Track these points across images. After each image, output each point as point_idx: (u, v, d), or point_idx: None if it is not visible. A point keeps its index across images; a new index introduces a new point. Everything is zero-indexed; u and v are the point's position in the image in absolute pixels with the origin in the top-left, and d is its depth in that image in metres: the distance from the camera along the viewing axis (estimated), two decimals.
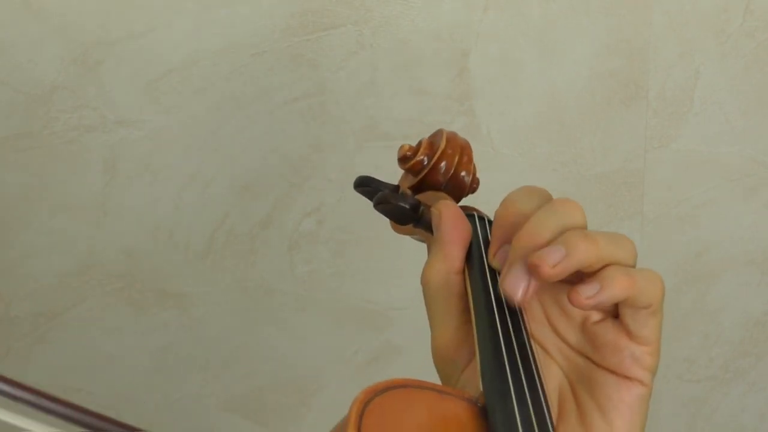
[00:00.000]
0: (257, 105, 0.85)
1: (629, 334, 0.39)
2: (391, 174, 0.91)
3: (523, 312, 0.40)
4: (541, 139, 0.94)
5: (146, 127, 0.83)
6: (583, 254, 0.36)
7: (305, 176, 0.88)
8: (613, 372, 0.39)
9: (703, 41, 0.96)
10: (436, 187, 0.50)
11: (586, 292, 0.36)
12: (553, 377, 0.41)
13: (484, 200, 1.01)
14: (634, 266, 0.38)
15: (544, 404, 0.35)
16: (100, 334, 0.88)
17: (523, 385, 0.35)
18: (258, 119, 0.85)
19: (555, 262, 0.36)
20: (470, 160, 0.51)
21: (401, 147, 0.51)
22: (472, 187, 0.51)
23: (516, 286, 0.37)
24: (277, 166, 0.87)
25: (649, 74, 0.95)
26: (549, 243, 0.37)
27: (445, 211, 0.43)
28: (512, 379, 0.35)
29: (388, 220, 0.50)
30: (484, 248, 0.42)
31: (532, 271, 0.37)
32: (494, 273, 0.41)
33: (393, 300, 0.95)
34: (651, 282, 0.38)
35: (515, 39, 0.90)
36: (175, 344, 0.91)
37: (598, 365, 0.40)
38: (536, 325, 0.41)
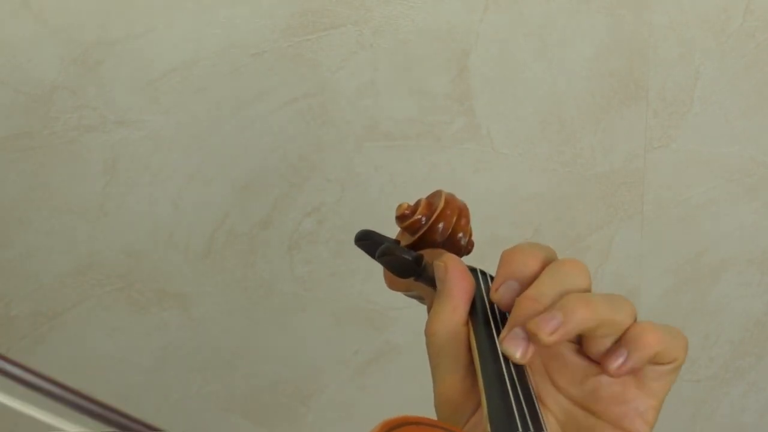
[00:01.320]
0: (257, 105, 0.85)
1: (640, 385, 0.39)
2: (392, 174, 0.91)
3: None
4: (541, 139, 0.94)
5: (146, 127, 0.83)
6: (580, 320, 0.37)
7: (305, 176, 0.88)
8: (613, 424, 0.40)
9: (703, 41, 0.96)
10: (432, 246, 0.51)
11: (616, 363, 0.38)
12: (549, 428, 0.41)
13: (484, 199, 1.02)
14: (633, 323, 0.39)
15: None
16: (100, 334, 0.88)
17: (530, 429, 0.37)
18: (258, 119, 0.86)
19: (552, 330, 0.37)
20: (468, 222, 0.51)
21: (399, 206, 0.52)
22: (468, 248, 0.52)
23: (515, 347, 0.39)
24: (277, 166, 0.87)
25: (649, 74, 0.95)
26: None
27: (451, 264, 0.44)
28: (521, 423, 0.37)
29: (384, 275, 0.52)
30: (487, 299, 0.44)
31: (530, 337, 0.38)
32: (498, 323, 0.42)
33: (393, 300, 0.95)
34: (677, 338, 0.39)
35: (515, 39, 0.90)
36: (175, 344, 0.91)
37: (598, 416, 0.40)
38: (534, 376, 0.42)
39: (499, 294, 0.41)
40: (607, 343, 0.39)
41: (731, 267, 1.07)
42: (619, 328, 0.38)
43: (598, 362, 0.40)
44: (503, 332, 0.40)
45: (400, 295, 1.00)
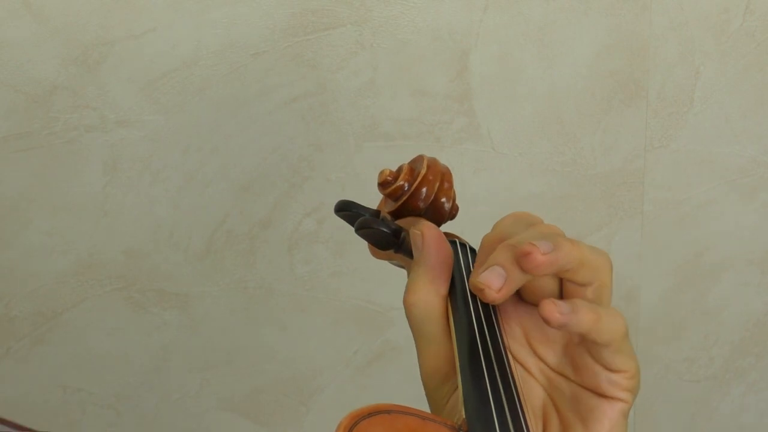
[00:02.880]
0: (257, 105, 0.85)
1: (602, 363, 0.39)
2: None
3: (505, 336, 0.41)
4: (541, 139, 0.94)
5: (146, 127, 0.83)
6: (568, 253, 0.37)
7: (305, 176, 0.88)
8: (593, 392, 0.40)
9: (703, 41, 0.96)
10: (415, 213, 0.50)
11: (561, 309, 0.37)
12: (536, 395, 0.41)
13: (484, 200, 1.01)
14: (610, 278, 0.39)
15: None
16: (100, 334, 0.88)
17: (505, 412, 0.36)
18: (258, 119, 0.85)
19: (546, 251, 0.36)
20: (451, 186, 0.51)
21: (381, 172, 0.51)
22: (452, 213, 0.51)
23: (491, 280, 0.38)
24: (277, 166, 0.87)
25: (649, 74, 0.95)
26: None
27: (428, 233, 0.43)
28: (495, 406, 0.36)
29: (367, 244, 0.50)
30: (466, 274, 0.42)
31: (521, 259, 0.37)
32: (476, 299, 0.41)
33: (393, 300, 0.95)
34: (612, 320, 0.38)
35: (515, 39, 0.90)
36: (175, 344, 0.91)
37: (579, 385, 0.40)
38: (517, 346, 0.42)
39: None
40: (589, 294, 0.39)
41: (731, 267, 1.07)
42: (597, 276, 0.39)
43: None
44: (480, 268, 0.38)
45: (400, 295, 1.00)
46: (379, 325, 0.96)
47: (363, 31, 0.85)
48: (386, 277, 0.93)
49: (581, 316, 0.37)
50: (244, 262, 0.90)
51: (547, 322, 0.37)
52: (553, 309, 0.36)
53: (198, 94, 0.83)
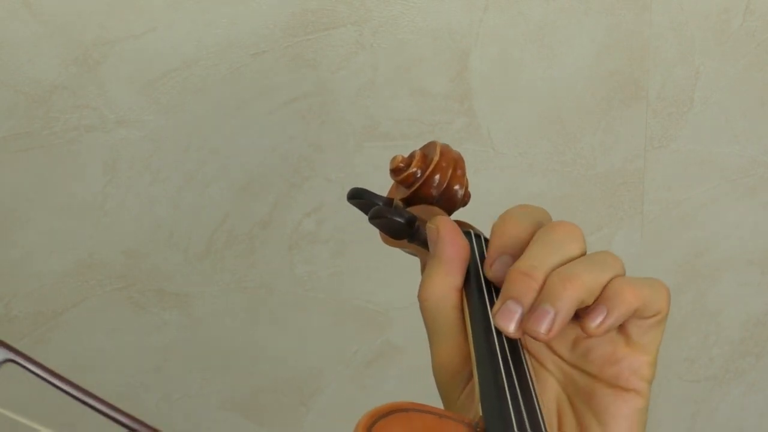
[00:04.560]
0: (257, 105, 0.85)
1: (630, 342, 0.39)
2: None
3: None
4: (541, 139, 0.94)
5: (146, 127, 0.83)
6: (571, 301, 0.36)
7: (305, 176, 0.88)
8: (610, 384, 0.39)
9: (703, 41, 0.96)
10: (428, 200, 0.49)
11: (595, 321, 0.36)
12: (550, 389, 0.41)
13: (484, 199, 1.01)
14: (667, 307, 0.39)
15: (543, 429, 0.35)
16: (100, 334, 0.88)
17: (521, 409, 0.35)
18: (258, 119, 0.85)
19: (548, 328, 0.36)
20: (463, 173, 0.50)
21: (394, 158, 0.50)
22: (464, 200, 0.50)
23: (508, 321, 0.37)
24: (277, 166, 0.87)
25: (649, 74, 0.95)
26: (542, 280, 0.37)
27: (443, 228, 0.42)
28: (512, 403, 0.35)
29: (379, 232, 0.50)
30: (481, 265, 0.42)
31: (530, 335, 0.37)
32: (491, 291, 0.41)
33: (393, 300, 0.95)
34: (657, 291, 0.38)
35: (515, 39, 0.90)
36: (175, 344, 0.91)
37: (594, 378, 0.39)
38: (531, 340, 0.41)
39: (494, 271, 0.40)
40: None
41: (731, 267, 1.07)
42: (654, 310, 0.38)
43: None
44: (496, 305, 0.38)
45: (400, 295, 1.01)
46: (379, 325, 0.96)
47: (363, 31, 0.85)
48: (386, 277, 0.93)
49: (620, 308, 0.36)
50: (244, 262, 0.90)
51: (595, 336, 0.36)
52: (591, 328, 0.36)
53: (198, 94, 0.83)
